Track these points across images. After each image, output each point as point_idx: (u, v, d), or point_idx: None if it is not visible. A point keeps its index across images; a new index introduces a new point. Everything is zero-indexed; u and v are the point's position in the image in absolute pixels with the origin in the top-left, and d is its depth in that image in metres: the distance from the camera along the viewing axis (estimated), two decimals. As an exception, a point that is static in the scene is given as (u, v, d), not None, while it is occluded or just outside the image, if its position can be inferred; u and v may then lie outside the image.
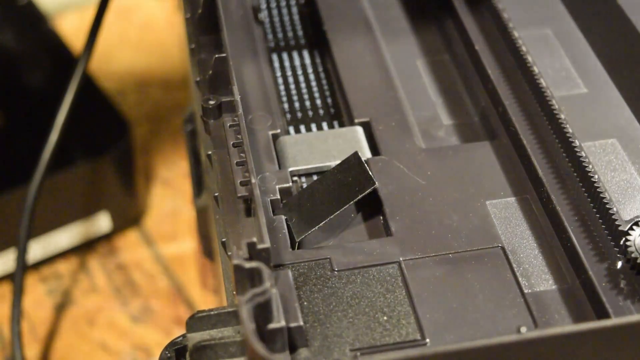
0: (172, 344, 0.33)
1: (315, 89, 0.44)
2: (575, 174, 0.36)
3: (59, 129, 0.56)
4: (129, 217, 0.66)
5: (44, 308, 0.62)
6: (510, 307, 0.33)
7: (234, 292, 0.31)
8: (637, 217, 0.34)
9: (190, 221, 0.66)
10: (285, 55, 0.46)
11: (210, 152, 0.38)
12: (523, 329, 0.32)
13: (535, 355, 0.29)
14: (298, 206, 0.37)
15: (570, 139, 0.37)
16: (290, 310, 0.31)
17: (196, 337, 0.32)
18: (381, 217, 0.37)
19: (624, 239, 0.34)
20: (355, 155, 0.38)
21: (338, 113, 0.43)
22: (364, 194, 0.37)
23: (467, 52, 0.43)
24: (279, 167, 0.39)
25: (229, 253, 0.34)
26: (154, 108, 0.76)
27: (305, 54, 0.46)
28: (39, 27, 0.73)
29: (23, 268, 0.57)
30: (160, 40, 0.81)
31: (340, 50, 0.44)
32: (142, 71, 0.79)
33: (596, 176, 0.35)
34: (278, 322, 0.30)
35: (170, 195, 0.69)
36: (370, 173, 0.37)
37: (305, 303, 0.33)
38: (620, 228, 0.34)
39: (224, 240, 0.36)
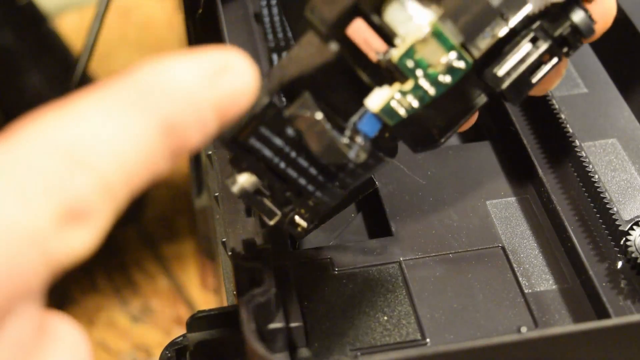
0: (172, 343, 0.33)
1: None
2: (575, 174, 0.36)
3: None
4: (128, 217, 0.66)
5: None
6: (510, 306, 0.33)
7: (234, 292, 0.31)
8: (637, 217, 0.34)
9: (190, 221, 0.66)
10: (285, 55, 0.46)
11: (210, 152, 0.38)
12: (523, 329, 0.32)
13: (536, 355, 0.29)
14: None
15: (570, 139, 0.37)
16: (291, 310, 0.31)
17: (197, 337, 0.32)
18: (381, 217, 0.37)
19: (624, 238, 0.34)
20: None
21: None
22: (364, 194, 0.37)
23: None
24: (279, 167, 0.39)
25: (229, 253, 0.34)
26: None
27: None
28: (39, 27, 0.73)
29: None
30: (160, 40, 0.81)
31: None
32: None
33: (596, 176, 0.35)
34: (278, 322, 0.30)
35: (170, 195, 0.69)
36: (370, 173, 0.37)
37: (305, 303, 0.33)
38: (620, 228, 0.34)
39: (224, 240, 0.36)
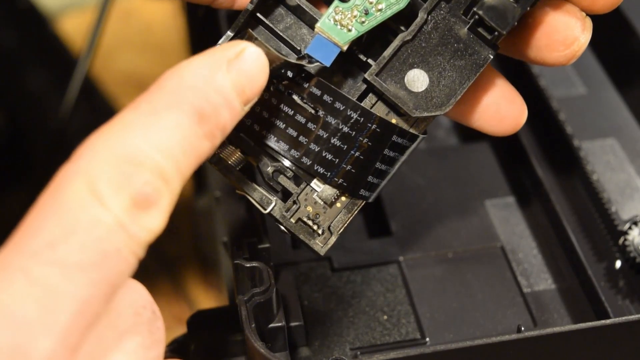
0: (173, 342, 0.33)
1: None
2: (574, 174, 0.36)
3: (60, 130, 0.56)
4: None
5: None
6: (509, 306, 0.33)
7: (235, 292, 0.32)
8: (635, 216, 0.34)
9: (190, 221, 0.66)
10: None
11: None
12: (522, 328, 0.32)
13: (534, 354, 0.29)
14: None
15: (569, 139, 0.37)
16: (291, 309, 0.32)
17: (197, 336, 0.32)
18: (381, 217, 0.37)
19: (622, 238, 0.34)
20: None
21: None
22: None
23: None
24: (280, 167, 0.39)
25: (229, 253, 0.34)
26: (155, 109, 0.76)
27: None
28: (41, 28, 0.73)
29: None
30: (161, 43, 0.82)
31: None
32: (144, 73, 0.79)
33: (595, 176, 0.35)
34: (278, 322, 0.30)
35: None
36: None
37: (305, 302, 0.33)
38: (618, 228, 0.34)
39: (224, 240, 0.36)
